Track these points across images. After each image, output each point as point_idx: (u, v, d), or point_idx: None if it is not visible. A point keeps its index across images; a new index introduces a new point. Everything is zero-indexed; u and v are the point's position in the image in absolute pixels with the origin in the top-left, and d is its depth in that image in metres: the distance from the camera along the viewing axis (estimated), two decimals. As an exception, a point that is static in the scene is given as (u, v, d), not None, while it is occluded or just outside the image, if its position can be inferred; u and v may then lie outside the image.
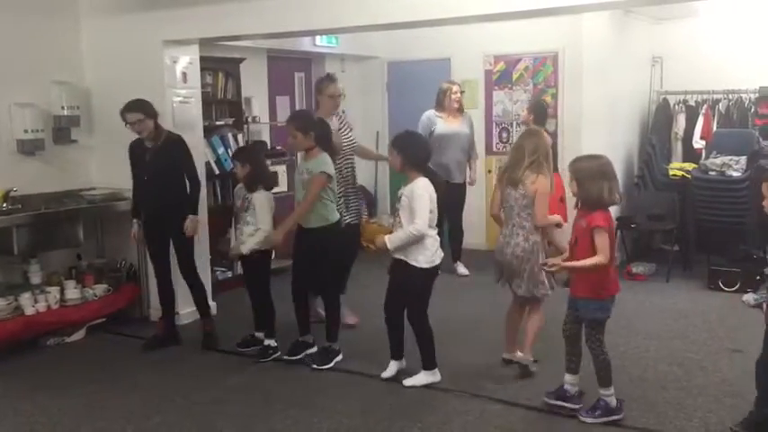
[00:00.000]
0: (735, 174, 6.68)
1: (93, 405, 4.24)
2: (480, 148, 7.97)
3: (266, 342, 4.98)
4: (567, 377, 4.04)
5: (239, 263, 5.16)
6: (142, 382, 4.59)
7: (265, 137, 7.58)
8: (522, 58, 7.88)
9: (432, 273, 4.32)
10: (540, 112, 6.56)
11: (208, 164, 6.27)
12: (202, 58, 5.94)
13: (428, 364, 4.42)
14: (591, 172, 3.81)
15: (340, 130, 5.39)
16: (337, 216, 4.84)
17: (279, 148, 7.54)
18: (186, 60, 5.72)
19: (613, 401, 3.89)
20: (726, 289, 6.23)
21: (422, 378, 4.40)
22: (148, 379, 4.65)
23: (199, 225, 5.14)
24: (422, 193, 4.22)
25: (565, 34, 7.26)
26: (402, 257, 4.29)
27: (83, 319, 5.41)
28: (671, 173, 7.19)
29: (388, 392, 4.33)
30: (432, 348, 4.41)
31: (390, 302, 4.45)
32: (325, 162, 4.73)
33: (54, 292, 5.30)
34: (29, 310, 5.14)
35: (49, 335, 5.27)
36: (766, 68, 7.06)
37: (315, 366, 4.73)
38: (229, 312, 5.60)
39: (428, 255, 4.26)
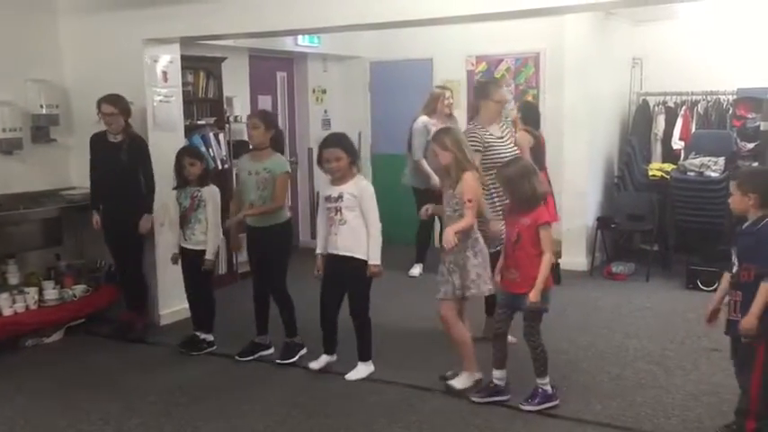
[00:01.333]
0: (713, 174, 6.75)
1: (72, 406, 4.20)
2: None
3: (202, 336, 5.09)
4: (497, 373, 4.15)
5: (181, 260, 5.16)
6: (121, 384, 4.56)
7: (246, 136, 7.54)
8: (504, 59, 7.92)
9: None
10: (529, 113, 6.54)
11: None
12: (183, 57, 5.91)
13: (368, 356, 4.57)
14: (517, 174, 3.98)
15: (501, 138, 4.96)
16: (288, 215, 4.94)
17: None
18: (167, 59, 5.68)
19: (549, 389, 4.04)
20: (704, 288, 6.28)
21: (363, 370, 4.53)
22: (127, 380, 4.62)
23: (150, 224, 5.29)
24: (372, 191, 4.39)
25: (546, 35, 7.31)
26: (349, 254, 4.38)
27: (61, 320, 5.36)
28: (650, 173, 7.25)
29: (368, 392, 4.33)
30: (371, 339, 4.55)
31: (332, 300, 4.54)
32: (285, 162, 4.92)
33: (32, 292, 5.25)
34: (6, 311, 5.08)
35: (28, 336, 5.21)
36: (744, 70, 7.14)
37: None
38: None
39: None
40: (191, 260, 5.03)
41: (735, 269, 3.56)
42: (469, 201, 4.12)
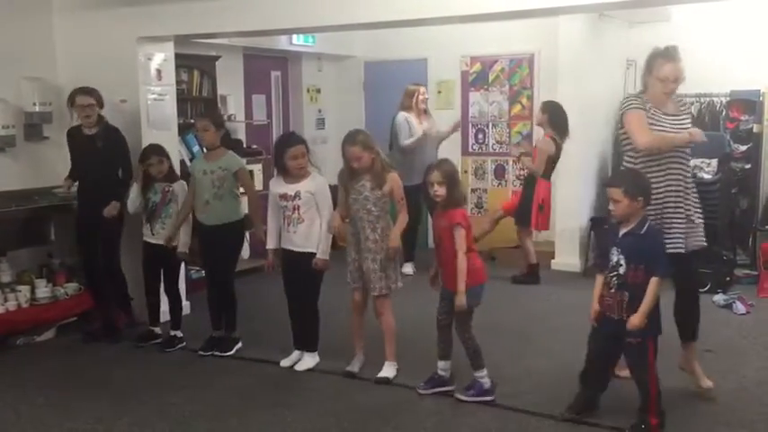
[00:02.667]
0: (706, 176, 6.77)
1: (63, 405, 4.19)
2: (456, 148, 8.01)
3: (172, 333, 5.16)
4: (441, 363, 4.22)
5: (150, 254, 5.21)
6: (113, 382, 4.55)
7: (241, 135, 7.54)
8: (499, 60, 7.94)
9: None
10: (557, 114, 6.56)
11: (182, 162, 6.23)
12: (177, 56, 5.90)
13: (314, 347, 4.69)
14: (456, 174, 4.11)
15: (676, 116, 4.24)
16: (242, 213, 4.98)
17: (255, 146, 7.53)
18: (161, 57, 5.68)
19: (487, 383, 4.10)
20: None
21: (309, 360, 4.66)
22: (119, 379, 4.61)
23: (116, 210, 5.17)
24: (328, 187, 4.56)
25: (541, 36, 7.33)
26: (310, 250, 4.49)
27: (54, 319, 5.35)
28: (644, 175, 7.26)
29: (360, 392, 4.33)
30: (318, 330, 4.68)
31: (299, 294, 4.62)
32: (239, 158, 5.08)
33: (24, 290, 5.23)
34: (-2, 309, 5.07)
35: (19, 334, 5.19)
36: (737, 73, 7.17)
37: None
38: (204, 312, 5.55)
39: None
40: (156, 255, 5.10)
41: (622, 270, 3.63)
42: (402, 199, 4.34)
